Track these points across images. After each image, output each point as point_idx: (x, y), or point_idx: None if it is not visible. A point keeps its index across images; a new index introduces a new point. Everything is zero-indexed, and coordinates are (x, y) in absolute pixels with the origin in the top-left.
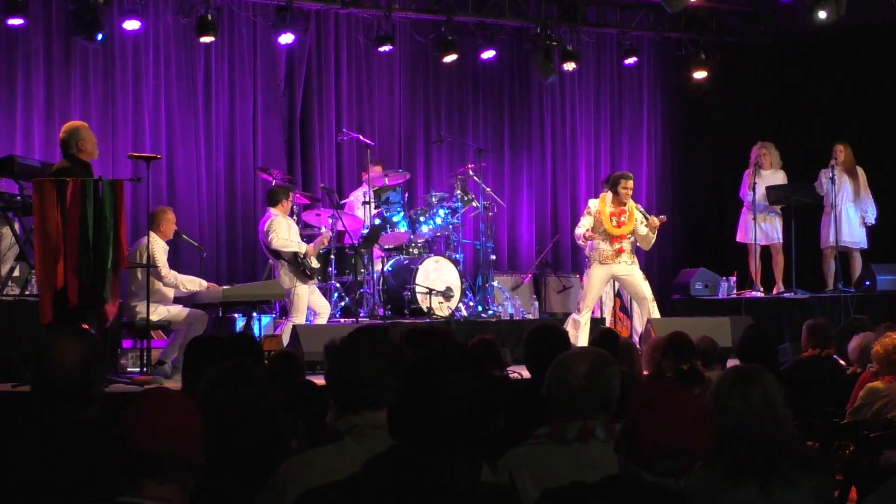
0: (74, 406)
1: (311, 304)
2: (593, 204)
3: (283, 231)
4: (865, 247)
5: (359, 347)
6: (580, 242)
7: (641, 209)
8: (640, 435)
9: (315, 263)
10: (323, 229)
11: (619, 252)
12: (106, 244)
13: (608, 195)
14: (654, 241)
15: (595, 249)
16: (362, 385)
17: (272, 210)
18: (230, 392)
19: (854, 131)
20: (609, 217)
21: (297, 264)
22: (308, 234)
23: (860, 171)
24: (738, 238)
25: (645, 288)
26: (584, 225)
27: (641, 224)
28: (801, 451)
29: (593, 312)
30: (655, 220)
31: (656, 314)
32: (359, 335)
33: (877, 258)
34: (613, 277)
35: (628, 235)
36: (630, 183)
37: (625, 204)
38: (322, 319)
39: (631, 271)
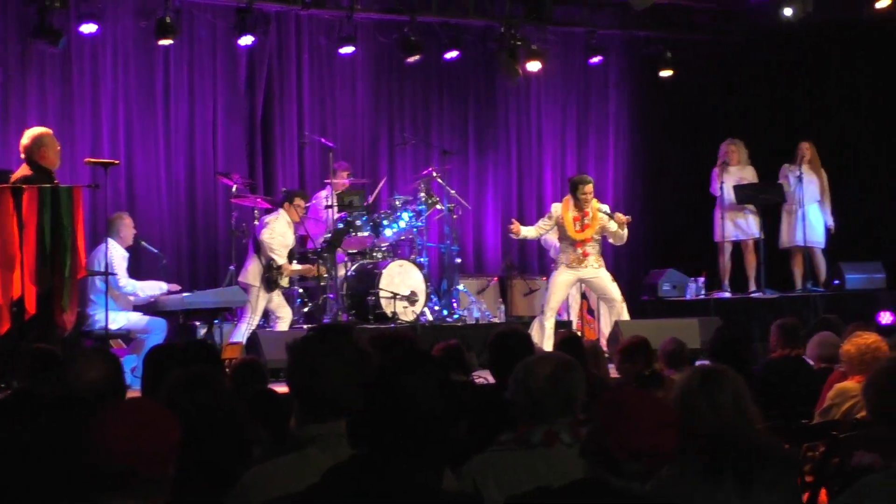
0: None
1: (273, 308)
2: (556, 209)
3: (278, 232)
4: (824, 246)
5: (323, 351)
6: (512, 231)
7: (605, 209)
8: (609, 439)
9: (285, 283)
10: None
11: (584, 256)
12: (63, 252)
13: (570, 200)
14: (626, 236)
15: (561, 253)
16: (327, 393)
17: (280, 209)
18: (190, 400)
19: (825, 129)
20: (572, 222)
21: (267, 270)
22: (302, 253)
23: (823, 172)
24: (715, 237)
25: (613, 289)
26: (538, 224)
27: (610, 221)
28: (776, 450)
29: (559, 315)
30: (621, 217)
31: (626, 315)
32: (323, 334)
33: (844, 256)
34: (580, 281)
35: (593, 238)
36: (588, 187)
37: (586, 207)
38: (283, 325)
39: (598, 273)
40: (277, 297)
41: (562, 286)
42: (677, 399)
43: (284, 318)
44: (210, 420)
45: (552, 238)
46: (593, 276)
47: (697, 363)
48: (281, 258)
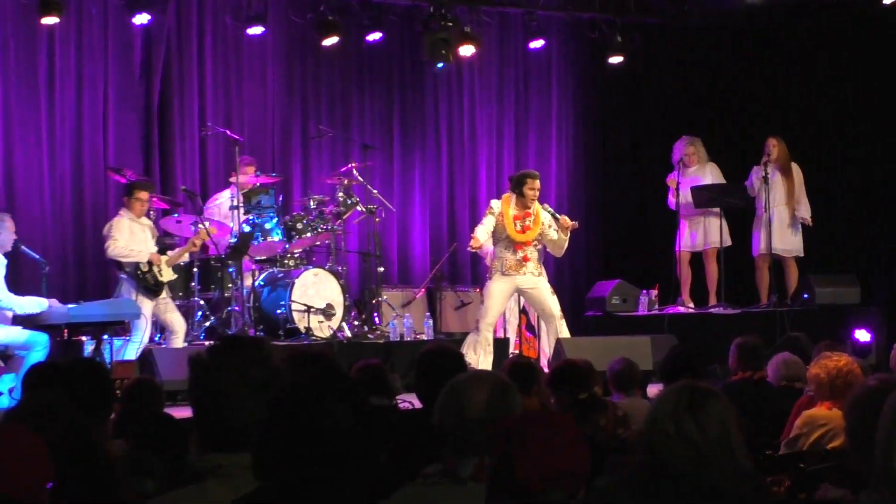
0: None
1: (165, 321)
2: (496, 204)
3: (123, 237)
4: (801, 254)
5: (230, 366)
6: (472, 247)
7: (550, 209)
8: (518, 469)
9: (167, 274)
10: (203, 225)
11: (524, 261)
12: None
13: (512, 196)
14: (566, 246)
15: (497, 258)
16: (232, 417)
17: (122, 209)
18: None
19: (794, 123)
20: (512, 221)
21: (138, 277)
22: (172, 245)
23: (795, 168)
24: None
25: (552, 304)
26: (486, 225)
27: (550, 228)
28: (755, 487)
29: (495, 332)
30: (567, 220)
31: (565, 333)
32: (231, 346)
33: (814, 268)
34: (518, 291)
35: (533, 242)
36: (537, 183)
37: (530, 206)
38: (178, 340)
39: (537, 284)
40: (166, 306)
41: (499, 296)
42: (652, 424)
43: (179, 332)
44: (66, 453)
45: (488, 242)
46: (531, 287)
47: (650, 386)
48: (142, 256)
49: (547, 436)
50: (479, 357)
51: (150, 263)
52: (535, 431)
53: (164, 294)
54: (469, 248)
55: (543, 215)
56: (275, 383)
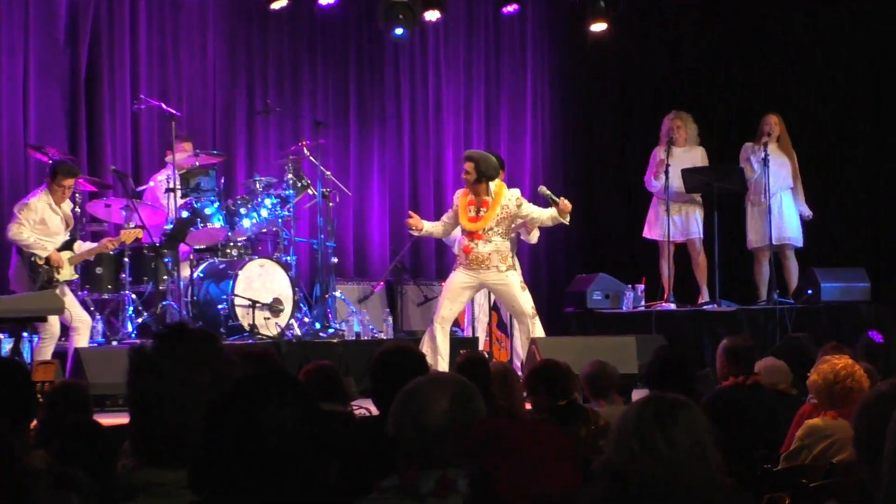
0: None
1: (65, 316)
2: (457, 196)
3: (30, 223)
4: (800, 244)
5: (174, 363)
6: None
7: (547, 192)
8: (500, 484)
9: (66, 274)
10: (128, 227)
11: (487, 255)
12: None
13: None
14: (554, 224)
15: (461, 251)
16: (174, 424)
17: (40, 190)
18: None
19: (793, 102)
20: (466, 207)
21: (33, 270)
22: (101, 233)
23: (793, 153)
24: (646, 233)
25: (523, 300)
26: (446, 221)
27: (521, 206)
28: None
29: (462, 331)
30: (566, 203)
31: (540, 332)
32: (177, 339)
33: (818, 261)
34: (484, 286)
35: (493, 232)
36: (466, 165)
37: (481, 192)
38: (82, 339)
39: (505, 280)
40: (69, 300)
41: (458, 289)
42: (617, 438)
43: (81, 328)
44: None
45: (456, 232)
46: (499, 283)
47: (635, 391)
48: (43, 250)
49: (533, 450)
50: (437, 356)
51: (48, 259)
52: (517, 439)
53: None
54: (410, 231)
55: (507, 199)
56: (229, 383)
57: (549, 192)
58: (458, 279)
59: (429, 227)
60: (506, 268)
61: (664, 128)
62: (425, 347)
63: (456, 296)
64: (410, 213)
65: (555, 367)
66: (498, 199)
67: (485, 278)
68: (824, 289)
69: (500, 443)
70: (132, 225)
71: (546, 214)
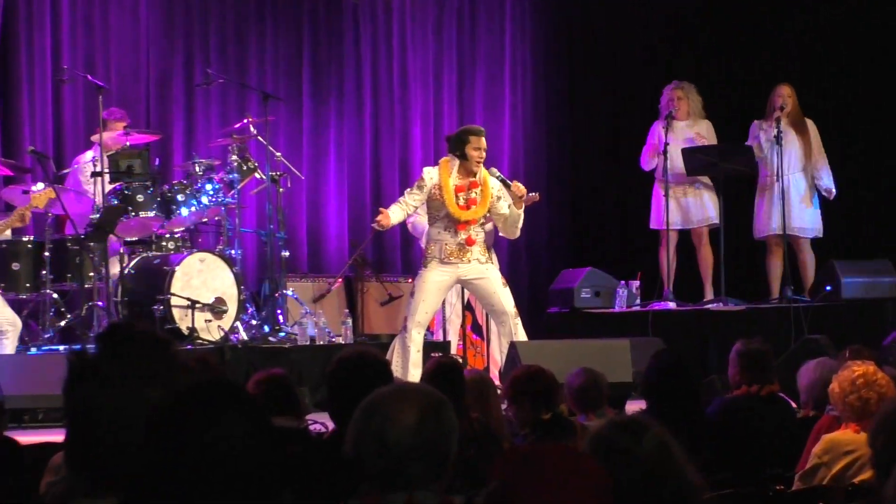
0: None
1: None
2: (430, 175)
3: None
4: (820, 234)
5: (120, 379)
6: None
7: (498, 174)
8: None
9: None
10: (36, 189)
11: (469, 244)
12: None
13: (452, 162)
14: (521, 223)
15: (433, 241)
16: (113, 445)
17: None
18: None
19: (809, 73)
20: (454, 193)
21: None
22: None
23: (811, 125)
24: (653, 224)
25: (504, 298)
26: (408, 200)
27: (500, 200)
28: None
29: (430, 333)
30: (521, 188)
31: (522, 335)
32: (120, 344)
33: (838, 252)
34: (460, 282)
35: (480, 220)
36: (483, 142)
37: (476, 174)
38: (8, 343)
39: (485, 273)
40: None
41: (434, 289)
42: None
43: (9, 331)
44: None
45: (424, 220)
46: (478, 277)
47: (630, 403)
48: None
49: (555, 464)
50: (409, 366)
51: None
52: (541, 457)
53: None
54: (374, 226)
55: (492, 183)
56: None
57: (500, 175)
58: (434, 277)
59: (395, 220)
60: (485, 260)
61: (663, 100)
62: (394, 357)
63: (433, 296)
64: (382, 209)
65: (540, 374)
66: (487, 185)
67: (463, 272)
68: (845, 284)
69: (520, 457)
70: (41, 186)
71: (507, 209)
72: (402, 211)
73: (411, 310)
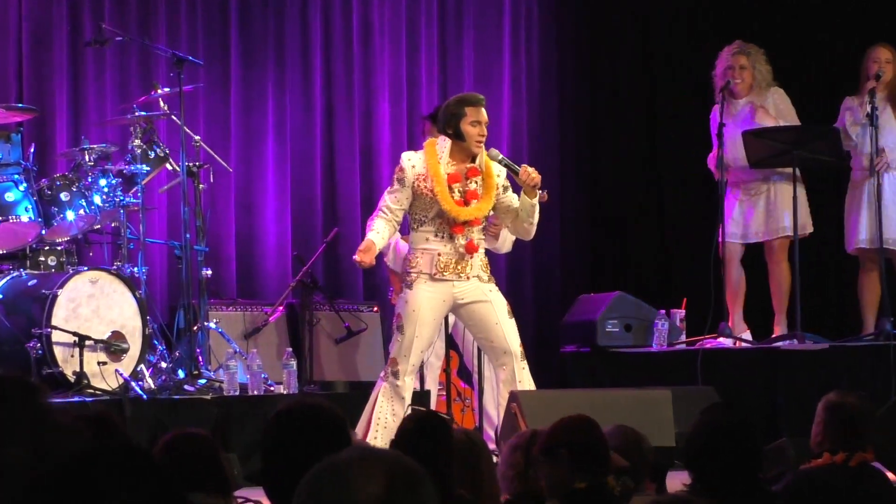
0: None
1: None
2: (411, 161)
3: None
4: None
5: None
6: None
7: (500, 156)
8: None
9: None
10: None
11: (469, 252)
12: None
13: (442, 143)
14: (537, 217)
15: (420, 252)
16: None
17: None
18: None
19: None
20: (446, 184)
21: None
22: None
23: None
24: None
25: (508, 332)
26: (392, 211)
27: (508, 190)
28: None
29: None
30: (531, 174)
31: (529, 383)
32: None
33: None
34: (453, 306)
35: (483, 220)
36: (484, 113)
37: (475, 158)
38: None
39: (487, 296)
40: None
41: (429, 318)
42: None
43: None
44: None
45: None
46: (477, 300)
47: (671, 474)
48: None
49: None
50: (378, 430)
51: None
52: None
53: None
54: (357, 262)
55: (496, 169)
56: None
57: (504, 158)
58: (426, 299)
59: (382, 243)
60: (488, 278)
61: (719, 68)
62: (365, 415)
63: (429, 328)
64: (367, 236)
65: (593, 428)
66: (490, 172)
67: (459, 293)
68: None
69: None
70: None
71: (516, 200)
72: (388, 224)
73: (402, 350)
